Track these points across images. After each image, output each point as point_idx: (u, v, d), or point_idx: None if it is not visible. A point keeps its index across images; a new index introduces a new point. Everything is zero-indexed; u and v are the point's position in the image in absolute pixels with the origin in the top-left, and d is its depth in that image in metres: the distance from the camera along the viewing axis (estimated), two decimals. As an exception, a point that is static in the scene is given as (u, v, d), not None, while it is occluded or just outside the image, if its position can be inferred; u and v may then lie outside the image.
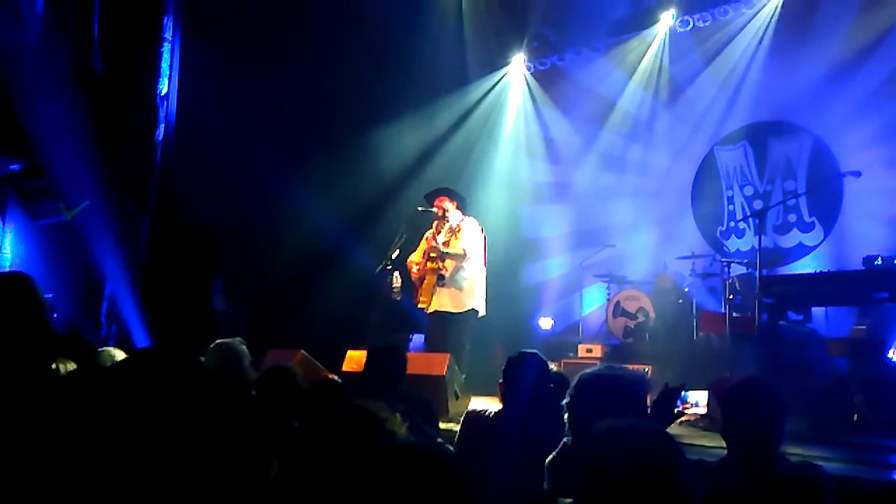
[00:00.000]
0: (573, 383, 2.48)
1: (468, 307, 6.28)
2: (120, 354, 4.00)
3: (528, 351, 3.35)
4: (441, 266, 6.32)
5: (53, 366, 2.78)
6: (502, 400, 3.28)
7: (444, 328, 6.29)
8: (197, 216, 7.92)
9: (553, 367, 3.62)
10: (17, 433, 2.01)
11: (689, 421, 5.36)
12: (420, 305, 6.37)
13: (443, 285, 6.31)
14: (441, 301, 6.30)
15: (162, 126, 7.95)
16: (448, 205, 6.52)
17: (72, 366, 2.89)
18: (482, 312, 6.42)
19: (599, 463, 1.52)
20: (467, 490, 1.21)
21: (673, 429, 3.20)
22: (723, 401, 2.56)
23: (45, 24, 7.41)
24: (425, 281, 6.35)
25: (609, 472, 1.48)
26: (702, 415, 5.35)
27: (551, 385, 3.24)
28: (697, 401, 5.64)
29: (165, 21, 8.03)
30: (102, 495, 1.74)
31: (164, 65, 8.00)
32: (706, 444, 4.27)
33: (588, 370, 2.51)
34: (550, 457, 2.60)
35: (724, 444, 2.62)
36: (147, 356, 2.34)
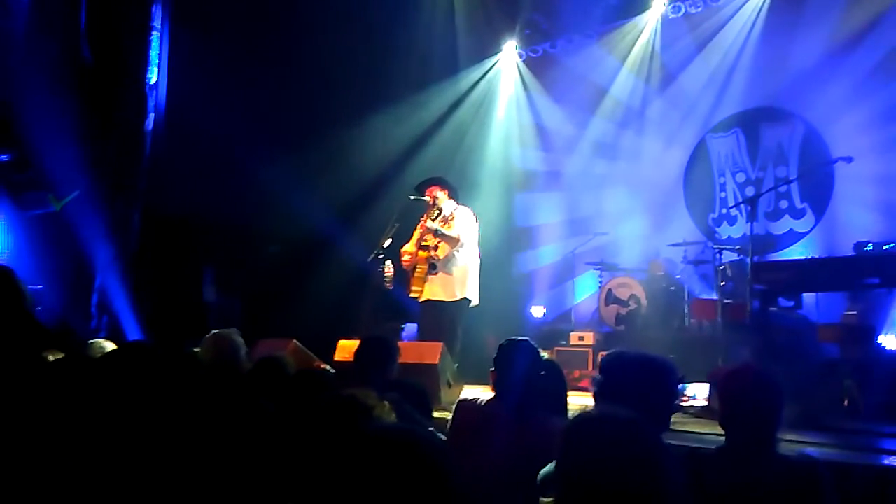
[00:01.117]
0: (601, 363, 2.51)
1: (460, 296, 6.27)
2: (110, 346, 3.99)
3: (519, 338, 3.34)
4: (433, 255, 6.31)
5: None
6: (494, 388, 3.28)
7: (435, 317, 6.28)
8: (187, 206, 7.88)
9: (545, 354, 3.61)
10: (5, 424, 2.00)
11: (682, 409, 5.34)
12: (412, 295, 6.36)
13: (435, 273, 6.30)
14: (433, 290, 6.29)
15: (151, 116, 7.89)
16: (440, 193, 6.49)
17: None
18: (474, 301, 6.41)
19: (574, 454, 1.51)
20: (446, 474, 1.20)
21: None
22: (720, 388, 2.56)
23: (32, 13, 7.33)
24: (417, 270, 6.34)
25: (584, 462, 1.47)
26: (702, 407, 5.29)
27: (543, 372, 3.24)
28: (695, 394, 5.61)
29: (154, 10, 7.96)
30: (92, 485, 1.73)
31: (153, 54, 7.93)
32: (701, 431, 4.28)
33: (612, 352, 2.53)
34: None
35: (718, 430, 2.62)
36: (136, 348, 2.33)
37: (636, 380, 2.41)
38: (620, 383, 2.42)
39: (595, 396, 2.53)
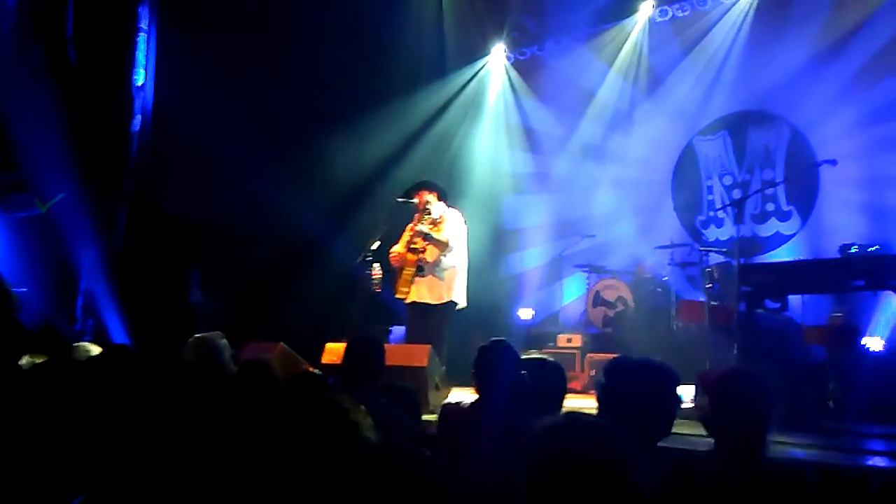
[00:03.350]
0: (604, 369, 2.54)
1: (446, 299, 6.27)
2: (95, 349, 3.96)
3: (497, 340, 3.38)
4: (421, 257, 6.30)
5: (24, 360, 2.75)
6: (477, 390, 3.30)
7: (422, 319, 6.28)
8: (174, 208, 7.84)
9: (545, 356, 3.62)
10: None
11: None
12: (398, 296, 6.35)
13: (422, 275, 6.30)
14: (420, 292, 6.29)
15: (138, 117, 7.86)
16: (429, 196, 6.48)
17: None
18: (462, 304, 6.41)
19: (540, 461, 1.51)
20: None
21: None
22: (711, 391, 2.58)
23: (18, 14, 7.28)
24: (405, 271, 6.33)
25: (549, 469, 1.47)
26: (689, 409, 5.28)
27: (524, 372, 3.24)
28: (683, 395, 5.59)
29: (141, 11, 7.92)
30: (73, 488, 1.72)
31: (140, 55, 7.89)
32: (690, 433, 4.28)
33: (616, 357, 2.56)
34: None
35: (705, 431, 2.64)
36: (121, 352, 2.32)
37: (640, 385, 2.44)
38: (624, 389, 2.45)
39: (598, 400, 2.56)
